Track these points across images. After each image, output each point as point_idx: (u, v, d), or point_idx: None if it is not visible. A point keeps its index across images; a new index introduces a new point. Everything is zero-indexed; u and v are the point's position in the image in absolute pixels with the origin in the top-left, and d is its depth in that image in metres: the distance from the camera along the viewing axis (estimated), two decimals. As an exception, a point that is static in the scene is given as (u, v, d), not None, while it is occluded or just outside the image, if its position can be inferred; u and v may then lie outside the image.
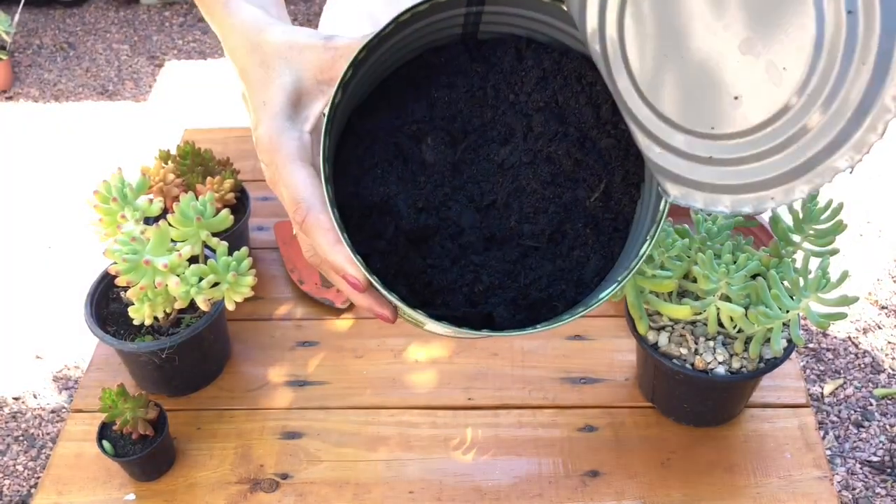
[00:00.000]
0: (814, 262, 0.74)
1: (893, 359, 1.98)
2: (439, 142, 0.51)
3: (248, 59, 0.57)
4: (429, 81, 0.53)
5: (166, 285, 0.77)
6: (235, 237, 0.97)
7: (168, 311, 0.83)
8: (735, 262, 0.74)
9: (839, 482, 1.73)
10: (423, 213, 0.49)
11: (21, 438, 1.93)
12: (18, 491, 1.83)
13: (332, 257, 0.49)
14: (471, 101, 0.52)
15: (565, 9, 0.47)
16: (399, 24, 0.49)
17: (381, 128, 0.53)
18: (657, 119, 0.43)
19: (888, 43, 0.34)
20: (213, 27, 0.64)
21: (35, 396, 2.01)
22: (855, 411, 1.87)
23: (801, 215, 0.77)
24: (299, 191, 0.51)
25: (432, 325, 0.49)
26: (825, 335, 2.03)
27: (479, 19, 0.52)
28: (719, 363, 0.78)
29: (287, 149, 0.52)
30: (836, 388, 1.92)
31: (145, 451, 0.80)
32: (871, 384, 1.93)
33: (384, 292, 0.45)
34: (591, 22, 0.44)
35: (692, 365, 0.78)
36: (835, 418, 1.87)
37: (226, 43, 0.61)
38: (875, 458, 1.79)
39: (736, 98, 0.39)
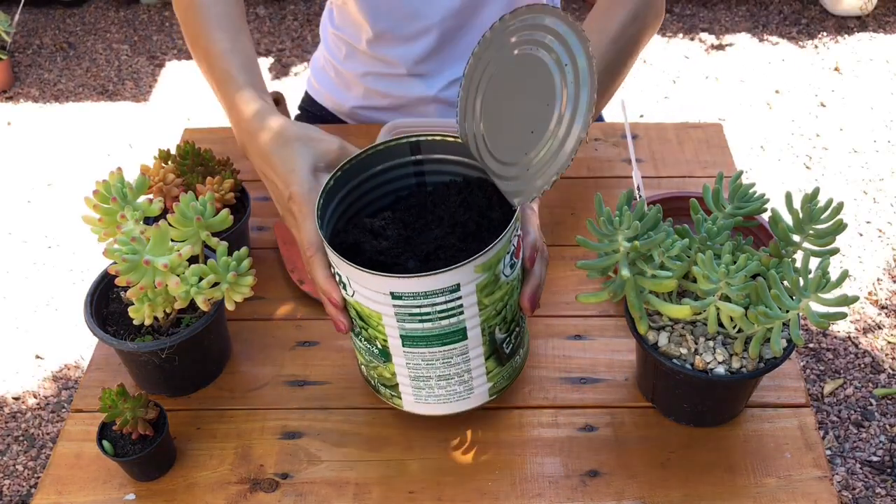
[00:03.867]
0: (814, 262, 0.74)
1: (893, 359, 1.98)
2: (397, 227, 0.80)
3: (271, 142, 0.83)
4: (395, 205, 0.85)
5: (166, 285, 0.77)
6: (235, 237, 0.97)
7: (168, 311, 0.83)
8: (735, 262, 0.74)
9: (839, 482, 1.73)
10: (382, 255, 0.77)
11: (21, 438, 1.93)
12: (18, 491, 1.83)
13: (324, 286, 0.76)
14: (418, 209, 0.83)
15: (460, 141, 0.79)
16: (362, 159, 0.80)
17: (360, 220, 0.81)
18: (503, 166, 0.75)
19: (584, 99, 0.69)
20: (224, 107, 0.92)
21: (35, 396, 2.02)
22: (855, 411, 1.87)
23: (801, 215, 0.77)
24: (311, 237, 0.76)
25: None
26: (825, 335, 2.03)
27: (423, 168, 0.83)
28: (719, 363, 0.78)
29: (311, 206, 0.76)
30: (836, 388, 1.92)
31: (145, 451, 0.80)
32: (871, 384, 1.93)
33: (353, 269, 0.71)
34: (470, 130, 0.79)
35: (692, 365, 0.78)
36: (835, 418, 1.87)
37: (239, 125, 0.88)
38: (875, 458, 1.79)
39: (532, 132, 0.72)
